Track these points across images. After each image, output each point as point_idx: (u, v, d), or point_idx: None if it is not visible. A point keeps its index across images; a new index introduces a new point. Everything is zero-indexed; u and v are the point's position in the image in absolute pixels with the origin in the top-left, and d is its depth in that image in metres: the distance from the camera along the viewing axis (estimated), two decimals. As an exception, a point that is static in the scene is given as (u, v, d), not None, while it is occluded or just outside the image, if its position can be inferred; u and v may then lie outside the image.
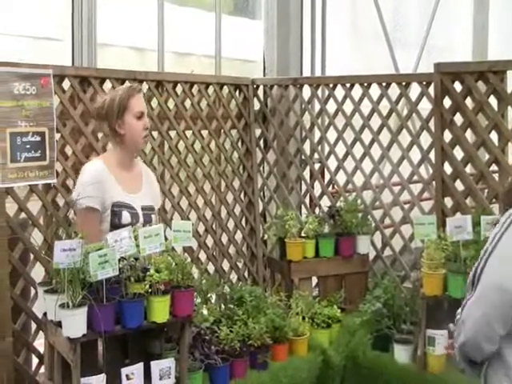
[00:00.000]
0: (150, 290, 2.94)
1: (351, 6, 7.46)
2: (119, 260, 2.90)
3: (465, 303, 2.08)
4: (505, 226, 2.04)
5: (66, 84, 3.93)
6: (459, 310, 2.11)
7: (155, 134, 4.49)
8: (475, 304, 2.02)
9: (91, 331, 2.80)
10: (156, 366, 3.05)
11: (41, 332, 3.50)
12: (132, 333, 3.03)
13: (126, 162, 3.50)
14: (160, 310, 2.98)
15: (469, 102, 4.35)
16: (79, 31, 4.34)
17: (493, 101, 4.27)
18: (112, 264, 2.81)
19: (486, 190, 4.39)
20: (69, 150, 3.95)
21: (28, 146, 3.55)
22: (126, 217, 3.34)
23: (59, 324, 2.82)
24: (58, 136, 3.79)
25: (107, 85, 4.18)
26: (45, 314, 3.02)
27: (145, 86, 4.41)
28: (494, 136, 4.26)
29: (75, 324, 2.75)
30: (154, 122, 4.42)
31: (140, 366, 2.99)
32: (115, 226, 3.27)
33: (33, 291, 3.63)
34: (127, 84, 3.68)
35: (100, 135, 4.09)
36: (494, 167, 4.32)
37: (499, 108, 4.22)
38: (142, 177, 3.58)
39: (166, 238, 3.13)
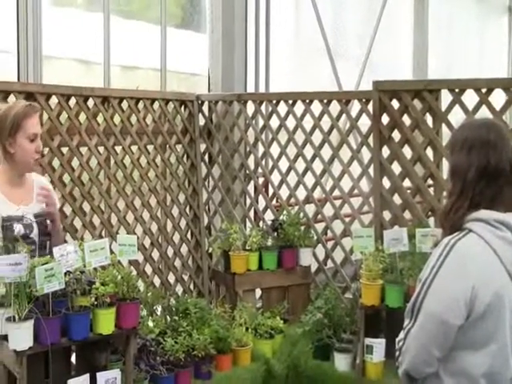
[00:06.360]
0: (95, 303, 3.00)
1: (295, 23, 7.61)
2: (65, 274, 2.95)
3: (406, 330, 2.22)
4: (441, 260, 2.14)
5: (12, 99, 3.92)
6: (401, 335, 2.24)
7: (101, 149, 4.54)
8: (417, 334, 2.18)
9: (37, 344, 2.84)
10: (102, 377, 3.10)
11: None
12: (78, 345, 3.08)
13: (16, 178, 3.34)
14: (105, 322, 3.04)
15: (406, 119, 4.50)
16: (24, 44, 4.30)
17: (428, 118, 4.45)
18: (58, 278, 2.86)
19: (424, 204, 4.56)
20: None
21: None
22: (18, 229, 3.22)
23: (6, 338, 2.84)
24: None
25: (53, 100, 4.21)
26: (-9, 328, 3.04)
27: (91, 102, 4.47)
28: (429, 152, 4.43)
29: (21, 337, 2.78)
30: (100, 137, 4.49)
31: (86, 377, 3.04)
32: (9, 239, 3.12)
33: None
34: (24, 102, 3.40)
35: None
36: (429, 181, 4.50)
37: (434, 125, 4.39)
38: (33, 189, 3.40)
39: (112, 252, 3.20)
